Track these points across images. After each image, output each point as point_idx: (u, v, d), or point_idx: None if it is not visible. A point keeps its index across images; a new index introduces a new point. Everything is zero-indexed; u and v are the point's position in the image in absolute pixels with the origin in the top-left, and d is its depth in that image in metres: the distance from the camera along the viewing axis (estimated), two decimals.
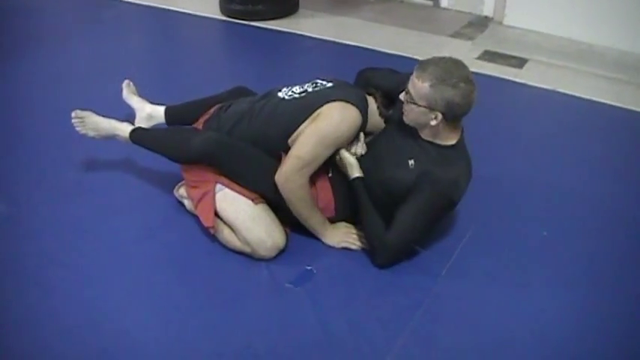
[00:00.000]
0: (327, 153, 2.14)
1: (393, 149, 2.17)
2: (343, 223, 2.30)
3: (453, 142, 2.13)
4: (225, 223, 2.20)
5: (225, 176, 2.19)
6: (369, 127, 2.24)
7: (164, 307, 2.04)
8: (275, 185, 2.13)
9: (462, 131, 2.16)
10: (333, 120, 2.11)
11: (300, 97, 2.22)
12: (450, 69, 2.01)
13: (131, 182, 2.62)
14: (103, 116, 2.53)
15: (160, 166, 2.58)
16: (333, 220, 2.28)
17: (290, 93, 2.26)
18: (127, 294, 2.08)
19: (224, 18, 4.34)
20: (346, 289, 2.11)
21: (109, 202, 2.51)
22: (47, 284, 2.10)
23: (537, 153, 2.88)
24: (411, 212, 2.07)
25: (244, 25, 4.22)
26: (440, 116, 2.03)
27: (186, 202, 2.42)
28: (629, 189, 2.64)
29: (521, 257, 2.25)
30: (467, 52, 3.79)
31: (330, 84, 2.25)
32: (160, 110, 2.64)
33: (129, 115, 2.71)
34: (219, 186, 2.19)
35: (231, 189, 2.18)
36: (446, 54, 2.10)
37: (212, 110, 2.40)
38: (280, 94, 2.27)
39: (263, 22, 4.23)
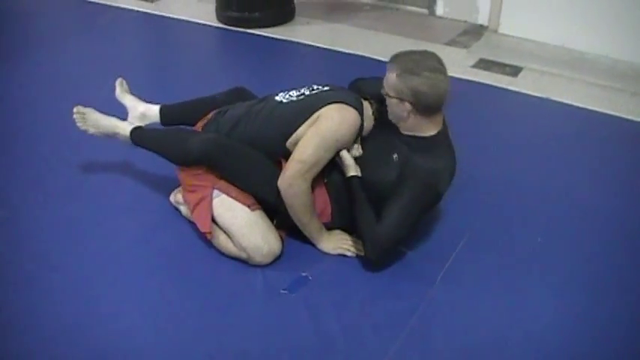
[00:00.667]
0: (328, 156, 2.14)
1: (379, 148, 2.20)
2: (338, 231, 2.30)
3: (432, 132, 2.14)
4: (221, 228, 2.20)
5: (224, 179, 2.19)
6: (364, 132, 2.24)
7: (159, 312, 2.04)
8: (276, 190, 2.13)
9: (445, 124, 2.18)
10: (334, 121, 2.12)
11: (298, 100, 2.23)
12: (416, 59, 2.04)
13: (128, 185, 2.63)
14: (104, 114, 2.51)
15: (157, 170, 2.59)
16: (328, 226, 2.28)
17: (287, 97, 2.27)
18: (122, 298, 2.08)
19: (220, 25, 4.34)
20: (341, 295, 2.11)
21: (106, 204, 2.51)
22: (42, 286, 2.11)
23: (531, 160, 2.89)
24: (397, 205, 2.09)
25: (240, 32, 4.23)
26: (409, 106, 2.05)
27: (182, 209, 2.42)
28: (622, 196, 2.65)
29: (516, 263, 2.26)
30: (462, 60, 3.81)
31: (327, 87, 2.27)
32: (154, 109, 2.57)
33: (123, 116, 2.69)
34: (216, 192, 2.19)
35: (228, 195, 2.18)
36: None
37: (210, 115, 2.40)
38: (278, 98, 2.28)
39: (259, 29, 4.24)
